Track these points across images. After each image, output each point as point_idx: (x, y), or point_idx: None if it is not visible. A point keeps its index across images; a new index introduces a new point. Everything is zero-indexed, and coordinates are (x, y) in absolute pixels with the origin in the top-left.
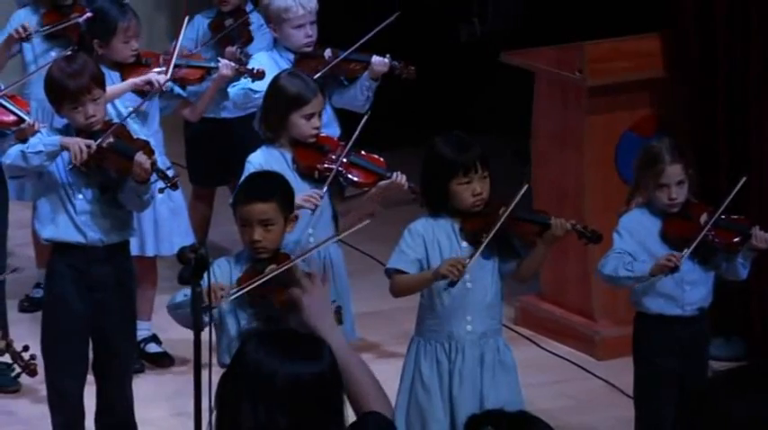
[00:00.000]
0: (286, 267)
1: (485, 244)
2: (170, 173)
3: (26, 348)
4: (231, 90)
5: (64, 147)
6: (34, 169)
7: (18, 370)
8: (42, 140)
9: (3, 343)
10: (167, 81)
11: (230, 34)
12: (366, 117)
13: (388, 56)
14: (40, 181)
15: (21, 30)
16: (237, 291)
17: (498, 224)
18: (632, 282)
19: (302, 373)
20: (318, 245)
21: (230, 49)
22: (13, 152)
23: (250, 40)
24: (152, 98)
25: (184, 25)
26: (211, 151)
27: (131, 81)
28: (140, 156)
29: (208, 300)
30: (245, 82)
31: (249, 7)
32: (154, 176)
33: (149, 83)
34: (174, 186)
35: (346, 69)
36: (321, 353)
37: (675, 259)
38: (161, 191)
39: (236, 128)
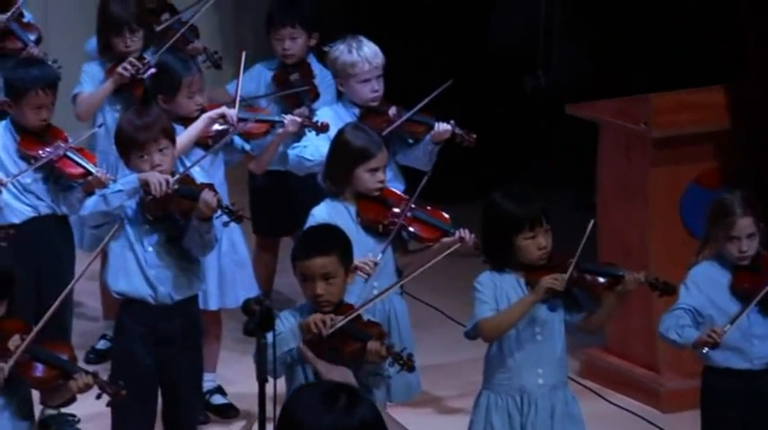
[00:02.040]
0: (350, 317)
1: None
2: (233, 208)
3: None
4: (290, 152)
5: (142, 182)
6: (116, 210)
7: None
8: (119, 181)
9: (90, 377)
10: (233, 134)
11: (295, 89)
12: (429, 173)
13: (452, 122)
14: (108, 230)
15: (129, 66)
16: (335, 325)
17: (568, 274)
18: (679, 347)
19: (343, 425)
20: (382, 293)
21: (301, 111)
22: (91, 200)
23: (317, 95)
24: (219, 150)
25: (240, 71)
26: (276, 202)
27: (205, 116)
28: (206, 194)
29: (316, 330)
30: (308, 137)
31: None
32: (218, 213)
33: (223, 115)
34: (239, 219)
35: (410, 130)
36: (361, 404)
37: (716, 336)
38: (225, 224)
39: (300, 180)
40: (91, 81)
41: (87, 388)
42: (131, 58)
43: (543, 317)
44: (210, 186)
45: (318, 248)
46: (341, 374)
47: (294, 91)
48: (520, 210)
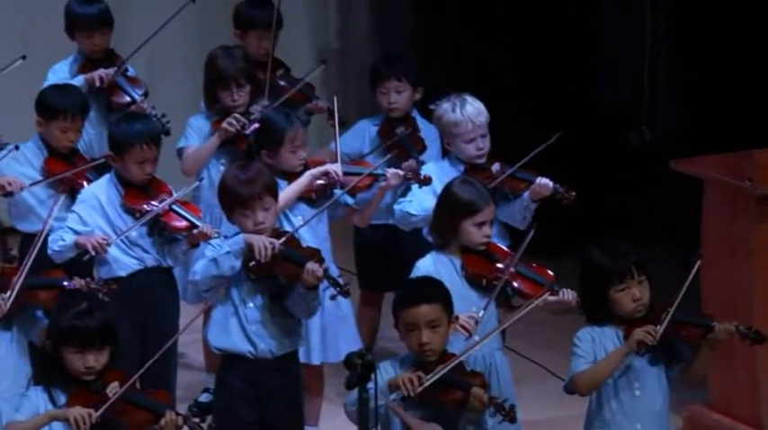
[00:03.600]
0: (453, 364)
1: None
2: (341, 280)
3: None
4: (395, 207)
5: (248, 244)
6: (227, 272)
7: None
8: (225, 242)
9: (180, 417)
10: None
11: (402, 142)
12: (533, 229)
13: (551, 182)
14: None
15: (234, 121)
16: (431, 378)
17: (663, 327)
18: None
19: None
20: (483, 338)
21: (409, 164)
22: (201, 265)
23: (424, 148)
24: (325, 209)
25: (336, 117)
26: (381, 257)
27: (309, 174)
28: (312, 264)
29: (404, 389)
30: (413, 191)
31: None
32: (324, 284)
33: (326, 173)
34: (346, 293)
35: (511, 185)
36: None
37: None
38: (332, 298)
39: (406, 234)
40: (197, 134)
41: (176, 426)
42: (236, 113)
43: (641, 370)
44: (317, 253)
45: (423, 296)
46: None
47: (398, 139)
48: (610, 262)
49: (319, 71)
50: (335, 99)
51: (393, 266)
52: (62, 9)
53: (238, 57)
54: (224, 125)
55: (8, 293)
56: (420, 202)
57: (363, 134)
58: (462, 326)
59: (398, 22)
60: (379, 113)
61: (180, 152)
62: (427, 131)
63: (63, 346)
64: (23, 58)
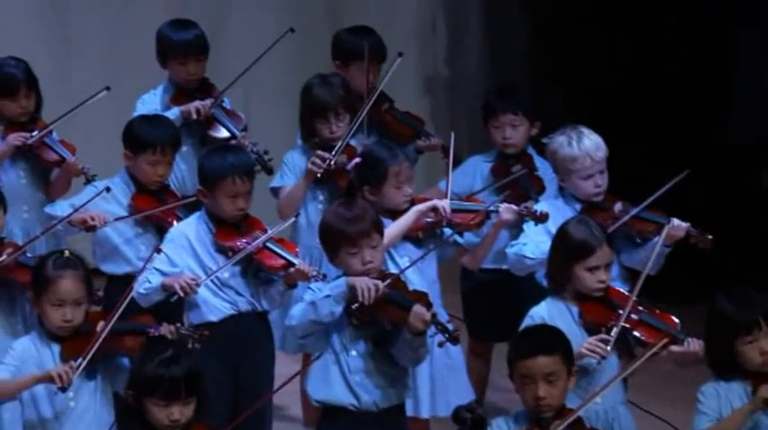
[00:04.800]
0: (572, 419)
1: None
2: (450, 326)
3: None
4: (509, 250)
5: (351, 287)
6: (326, 318)
7: None
8: (325, 285)
9: None
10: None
11: (519, 182)
12: (656, 271)
13: (686, 224)
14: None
15: (318, 161)
16: None
17: None
18: None
19: None
20: (601, 390)
21: (526, 206)
22: (298, 309)
23: (543, 188)
24: (433, 249)
25: (450, 155)
26: (490, 303)
27: (415, 209)
28: (419, 309)
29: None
30: (527, 233)
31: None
32: (432, 330)
33: (434, 209)
34: (456, 340)
35: (638, 228)
36: None
37: None
38: (440, 345)
39: (518, 279)
40: (292, 172)
41: None
42: (320, 152)
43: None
44: (424, 297)
45: (542, 347)
46: None
47: (514, 178)
48: (738, 311)
49: (396, 66)
50: (452, 136)
51: (504, 314)
52: (150, 35)
53: (336, 85)
54: (309, 166)
55: (78, 361)
56: (536, 244)
57: (474, 172)
58: (591, 351)
59: (513, 48)
60: (492, 149)
61: (275, 191)
62: (544, 169)
63: (146, 397)
64: (108, 89)
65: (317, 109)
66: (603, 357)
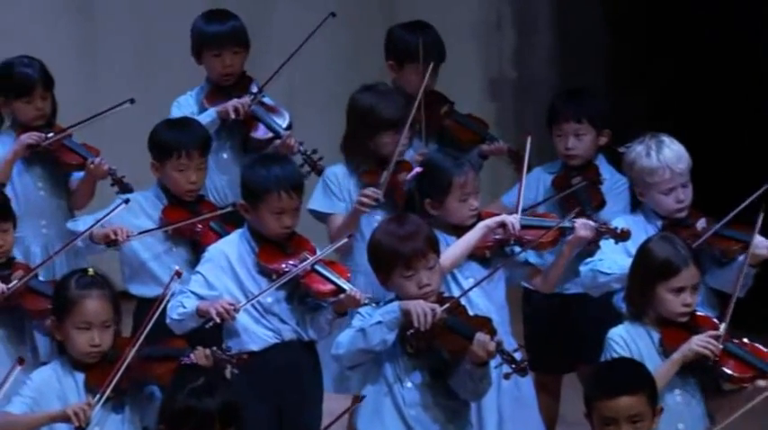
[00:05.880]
0: None
1: None
2: (517, 356)
3: None
4: (582, 268)
5: (405, 312)
6: (377, 346)
7: None
8: (376, 311)
9: None
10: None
11: (576, 195)
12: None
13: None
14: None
15: (365, 199)
16: None
17: None
18: None
19: None
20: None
21: (605, 223)
22: (345, 337)
23: (602, 204)
24: (500, 270)
25: (524, 162)
26: (557, 331)
27: (482, 225)
28: (481, 336)
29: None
30: (604, 250)
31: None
32: (497, 360)
33: (503, 225)
34: (523, 371)
35: (721, 246)
36: None
37: None
38: (506, 376)
39: (589, 305)
40: (339, 195)
41: None
42: (368, 191)
43: None
44: (487, 323)
45: (626, 386)
46: None
47: (571, 191)
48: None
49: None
50: (528, 140)
51: (571, 343)
52: (184, 41)
53: (392, 95)
54: (357, 206)
55: (97, 397)
56: (614, 261)
57: (537, 184)
58: (704, 347)
59: (588, 47)
60: (557, 159)
61: (317, 215)
62: (612, 182)
63: None
64: (132, 101)
65: (378, 126)
66: (716, 356)
